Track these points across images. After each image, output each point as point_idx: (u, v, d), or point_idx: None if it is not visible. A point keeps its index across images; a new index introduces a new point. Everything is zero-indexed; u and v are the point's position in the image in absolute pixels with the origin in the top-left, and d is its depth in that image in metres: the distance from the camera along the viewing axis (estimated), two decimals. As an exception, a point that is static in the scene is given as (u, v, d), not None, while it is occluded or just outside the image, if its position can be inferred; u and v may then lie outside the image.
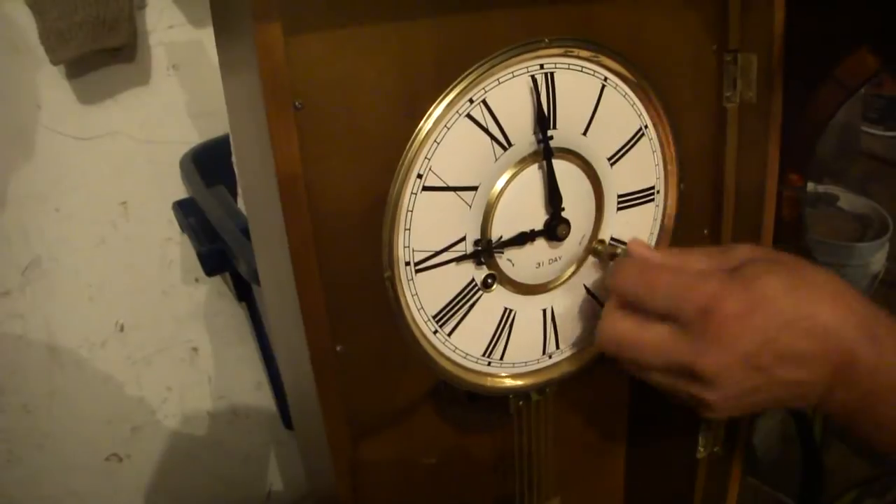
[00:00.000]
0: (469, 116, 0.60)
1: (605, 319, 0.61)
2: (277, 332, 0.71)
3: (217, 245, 1.14)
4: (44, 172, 1.35)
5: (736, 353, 0.55)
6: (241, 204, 1.25)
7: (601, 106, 0.66)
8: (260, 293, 1.27)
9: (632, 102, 0.68)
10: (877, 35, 0.75)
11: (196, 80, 1.44)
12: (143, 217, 1.45)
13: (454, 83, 0.59)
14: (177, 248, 1.49)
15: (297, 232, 0.55)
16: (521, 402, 0.74)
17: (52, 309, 1.43)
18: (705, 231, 0.80)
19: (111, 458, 1.58)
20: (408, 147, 0.58)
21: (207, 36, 1.40)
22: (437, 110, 0.59)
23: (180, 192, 1.43)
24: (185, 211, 1.30)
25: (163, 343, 1.56)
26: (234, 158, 1.25)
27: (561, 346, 0.72)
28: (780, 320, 0.55)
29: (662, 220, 0.75)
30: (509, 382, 0.71)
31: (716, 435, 0.84)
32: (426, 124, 0.58)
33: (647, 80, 0.68)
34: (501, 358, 0.70)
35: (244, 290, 1.33)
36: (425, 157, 0.59)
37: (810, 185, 0.80)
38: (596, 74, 0.65)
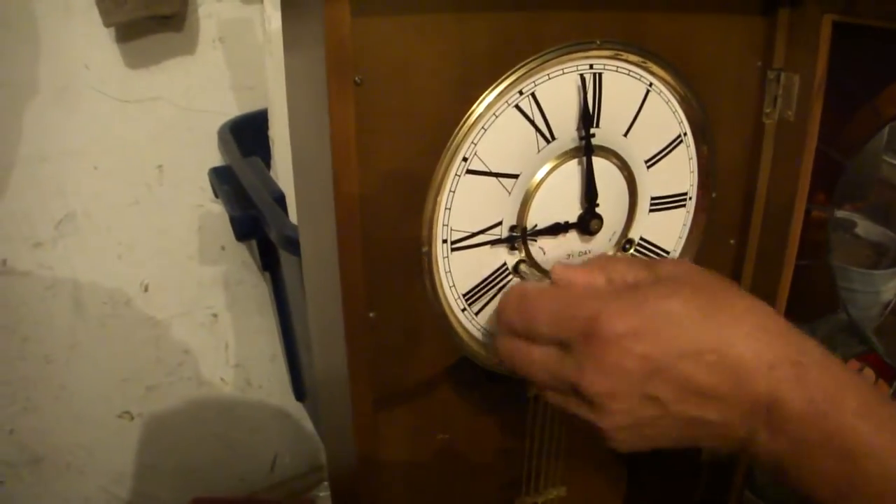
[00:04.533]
0: (517, 107, 0.62)
1: (497, 338, 0.59)
2: (312, 296, 0.73)
3: (250, 211, 1.16)
4: (85, 130, 1.39)
5: (621, 379, 0.50)
6: (273, 174, 1.27)
7: (644, 110, 0.68)
8: (285, 264, 1.30)
9: (674, 109, 0.70)
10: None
11: (240, 55, 1.47)
12: (176, 182, 1.49)
13: (507, 74, 0.61)
14: (207, 215, 1.52)
15: (345, 198, 0.58)
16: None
17: (81, 264, 1.47)
18: (731, 241, 0.81)
19: (123, 415, 1.61)
20: (457, 130, 0.61)
21: (256, 12, 1.43)
22: (487, 98, 0.61)
23: (215, 161, 1.46)
24: (221, 178, 1.33)
25: (185, 307, 1.60)
26: (270, 132, 1.28)
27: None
28: (676, 348, 0.49)
29: (692, 226, 0.76)
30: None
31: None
32: (476, 110, 0.61)
33: (690, 89, 0.70)
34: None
35: (270, 260, 1.35)
36: (472, 142, 0.62)
37: (829, 209, 0.81)
38: (642, 79, 0.67)
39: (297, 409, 1.78)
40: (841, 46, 0.72)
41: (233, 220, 1.16)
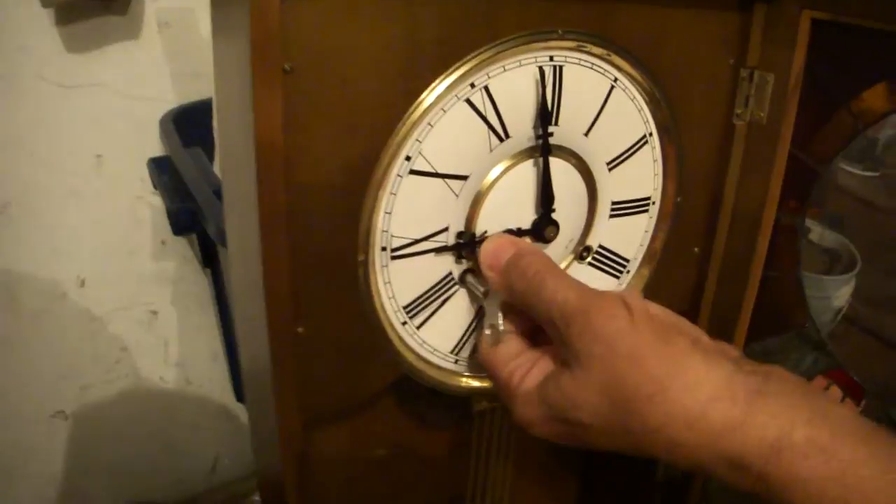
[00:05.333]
0: (468, 101, 0.56)
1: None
2: (239, 304, 0.67)
3: (188, 204, 1.10)
4: (21, 117, 1.32)
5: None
6: (216, 167, 1.21)
7: (608, 107, 0.63)
8: (225, 260, 1.24)
9: (639, 107, 0.65)
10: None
11: (185, 41, 1.42)
12: (116, 173, 1.43)
13: (457, 64, 0.55)
14: (147, 208, 1.46)
15: (270, 201, 0.51)
16: (485, 403, 0.71)
17: (14, 256, 1.40)
18: (696, 249, 0.77)
19: (57, 414, 1.55)
20: (399, 126, 0.54)
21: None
22: (435, 91, 0.55)
23: (157, 152, 1.40)
24: (160, 168, 1.26)
25: (122, 303, 1.54)
26: (214, 123, 1.22)
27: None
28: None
29: (654, 233, 0.72)
30: (475, 383, 0.68)
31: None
32: (422, 104, 0.55)
33: (658, 86, 0.65)
34: (469, 357, 0.66)
35: (210, 256, 1.30)
36: (416, 140, 0.55)
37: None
38: (606, 74, 0.62)
39: (239, 410, 1.72)
40: (818, 45, 0.68)
41: (170, 213, 1.10)
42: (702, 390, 0.46)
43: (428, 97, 0.55)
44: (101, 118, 1.38)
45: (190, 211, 1.10)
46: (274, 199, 0.51)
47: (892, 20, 0.63)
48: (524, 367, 0.54)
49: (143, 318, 1.56)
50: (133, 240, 1.48)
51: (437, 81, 0.55)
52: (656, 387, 0.46)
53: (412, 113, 0.54)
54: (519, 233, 0.61)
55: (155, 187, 1.32)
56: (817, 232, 1.03)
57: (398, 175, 0.56)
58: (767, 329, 0.81)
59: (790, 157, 0.72)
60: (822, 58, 0.69)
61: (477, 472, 0.76)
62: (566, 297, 0.50)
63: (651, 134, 0.67)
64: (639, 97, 0.64)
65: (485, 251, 0.58)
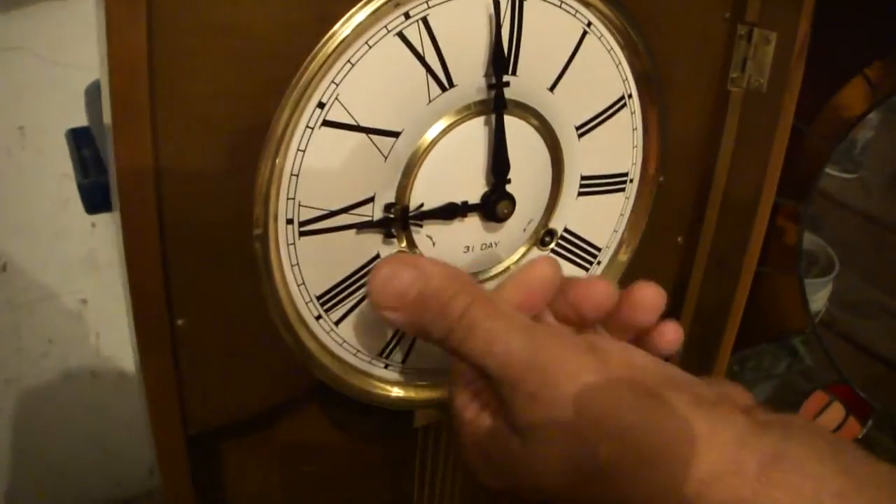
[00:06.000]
0: (401, 36, 0.44)
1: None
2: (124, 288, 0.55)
3: (102, 178, 0.98)
4: (-70, 83, 1.21)
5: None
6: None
7: (578, 57, 0.51)
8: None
9: (617, 61, 0.54)
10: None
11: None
12: (41, 146, 1.32)
13: (386, -16, 0.43)
14: (75, 186, 1.34)
15: (129, 154, 0.39)
16: (428, 418, 0.60)
17: (-73, 235, 1.30)
18: (679, 239, 0.67)
19: (-22, 410, 1.44)
20: (307, 62, 0.42)
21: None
22: (356, 18, 0.43)
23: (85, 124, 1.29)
24: (80, 141, 1.14)
25: (49, 290, 1.44)
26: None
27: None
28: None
29: (631, 217, 0.61)
30: (412, 394, 0.56)
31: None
32: (338, 35, 0.42)
33: (641, 36, 0.54)
34: (403, 361, 0.55)
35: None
36: (332, 82, 0.43)
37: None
38: (578, 16, 0.51)
39: (178, 410, 1.61)
40: (829, 2, 0.59)
41: (80, 189, 0.97)
42: (703, 462, 0.35)
43: (346, 26, 0.42)
44: (22, 86, 1.26)
45: (103, 186, 0.97)
46: (135, 147, 0.39)
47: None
48: (487, 394, 0.43)
49: (72, 306, 1.46)
50: (60, 221, 1.38)
51: (357, 5, 0.42)
52: (641, 459, 0.36)
53: (325, 45, 0.42)
54: (464, 208, 0.50)
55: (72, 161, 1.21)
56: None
57: (308, 126, 0.44)
58: (760, 334, 0.71)
59: (793, 132, 0.62)
60: (833, 17, 0.60)
61: (422, 492, 0.67)
62: (508, 347, 0.38)
63: (630, 96, 0.56)
64: (617, 49, 0.53)
65: (377, 282, 0.42)
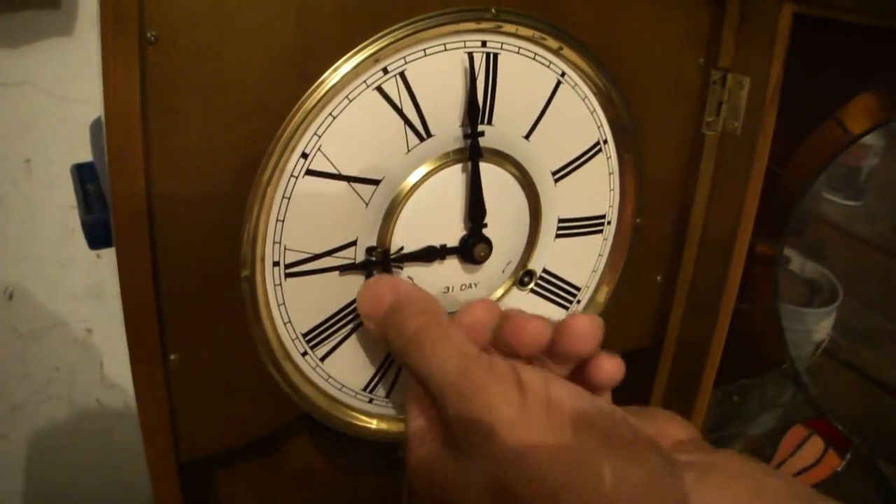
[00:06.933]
0: (380, 90, 0.47)
1: None
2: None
3: (104, 215, 1.00)
4: (-58, 116, 1.23)
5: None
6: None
7: (552, 106, 0.54)
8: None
9: (591, 109, 0.56)
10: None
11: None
12: (47, 179, 1.33)
13: (365, 43, 0.45)
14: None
15: (125, 199, 0.42)
16: None
17: (-62, 265, 1.31)
18: (658, 278, 0.68)
19: (-15, 435, 1.44)
20: (290, 115, 0.45)
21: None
22: (337, 73, 0.45)
23: (90, 158, 1.30)
24: (85, 176, 1.16)
25: (55, 319, 1.44)
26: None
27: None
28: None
29: (609, 258, 0.62)
30: (392, 426, 0.58)
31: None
32: (320, 89, 0.45)
33: (615, 85, 0.56)
34: (388, 395, 0.56)
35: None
36: (315, 133, 0.46)
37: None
38: (552, 66, 0.53)
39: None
40: (801, 45, 0.60)
41: (84, 224, 0.99)
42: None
43: (328, 81, 0.45)
44: (30, 120, 1.28)
45: (104, 223, 1.00)
46: (131, 193, 0.42)
47: (887, 15, 0.54)
48: (434, 413, 0.44)
49: (77, 335, 1.46)
50: (65, 252, 1.38)
51: (338, 63, 0.45)
52: (545, 494, 0.36)
53: (308, 99, 0.45)
54: (443, 251, 0.52)
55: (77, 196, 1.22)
56: (798, 262, 1.00)
57: (292, 175, 0.46)
58: (740, 369, 0.72)
59: (768, 174, 0.63)
60: (805, 60, 0.61)
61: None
62: (443, 369, 0.40)
63: (605, 141, 0.57)
64: (591, 97, 0.55)
65: (362, 294, 0.48)
